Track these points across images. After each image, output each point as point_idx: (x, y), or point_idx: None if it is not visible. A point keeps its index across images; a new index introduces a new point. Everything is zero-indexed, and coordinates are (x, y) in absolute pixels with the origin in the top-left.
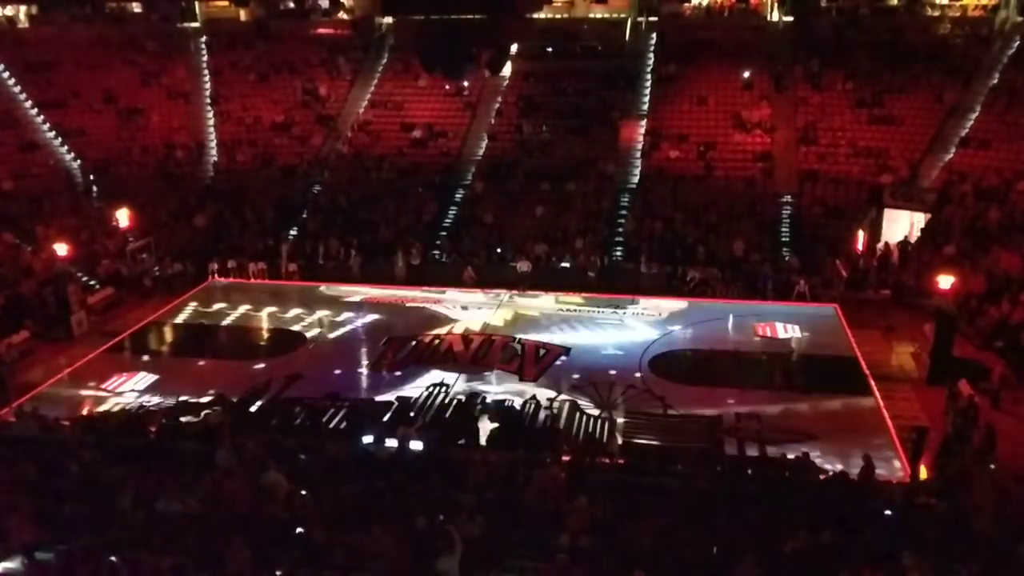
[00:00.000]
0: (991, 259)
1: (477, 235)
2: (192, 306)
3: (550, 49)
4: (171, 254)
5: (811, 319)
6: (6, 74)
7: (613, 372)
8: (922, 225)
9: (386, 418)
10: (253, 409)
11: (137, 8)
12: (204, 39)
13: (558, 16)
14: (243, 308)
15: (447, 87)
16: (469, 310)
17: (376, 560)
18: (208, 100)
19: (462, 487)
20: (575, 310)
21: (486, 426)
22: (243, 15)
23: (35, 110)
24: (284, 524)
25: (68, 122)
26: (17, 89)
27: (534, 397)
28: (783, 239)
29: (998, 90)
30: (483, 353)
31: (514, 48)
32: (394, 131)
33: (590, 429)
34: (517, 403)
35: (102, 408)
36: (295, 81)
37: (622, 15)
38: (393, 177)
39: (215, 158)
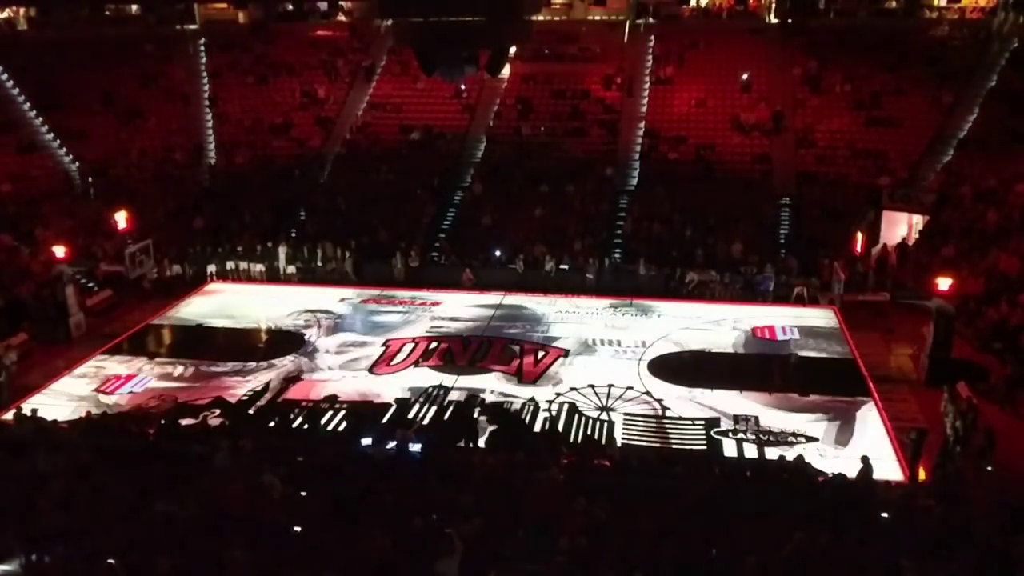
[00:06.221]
0: (990, 261)
1: (476, 237)
2: (191, 308)
3: (548, 51)
4: (169, 256)
5: (810, 321)
6: (4, 76)
7: (612, 374)
8: (920, 227)
9: (384, 420)
10: (252, 411)
11: (136, 10)
12: (203, 41)
13: (557, 18)
14: (242, 309)
15: (445, 89)
16: (468, 312)
17: (375, 561)
18: (207, 102)
19: (461, 489)
20: (574, 311)
21: (485, 428)
22: (242, 17)
23: (33, 112)
24: (282, 526)
25: (66, 124)
26: (16, 91)
27: (533, 399)
28: (781, 241)
29: (996, 92)
30: (481, 355)
31: (512, 50)
32: (393, 133)
33: (589, 431)
34: (516, 405)
35: (100, 410)
36: (294, 83)
37: (620, 17)
38: (392, 179)
39: (213, 160)
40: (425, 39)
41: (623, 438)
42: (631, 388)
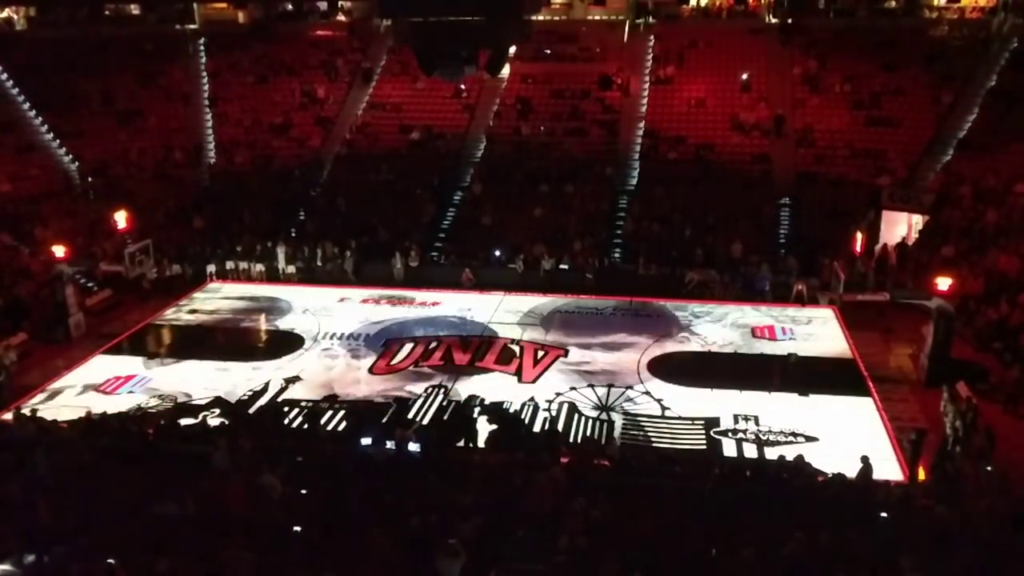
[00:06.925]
0: (989, 261)
1: (476, 237)
2: (190, 308)
3: (548, 51)
4: (169, 256)
5: (809, 321)
6: (4, 76)
7: (611, 373)
8: (920, 227)
9: (384, 420)
10: (252, 411)
11: (136, 10)
12: (203, 41)
13: (557, 18)
14: (241, 310)
15: (445, 89)
16: (468, 312)
17: (375, 561)
18: (206, 102)
19: (461, 489)
20: (573, 311)
21: (484, 428)
22: (241, 17)
23: (33, 112)
24: (282, 526)
25: (66, 124)
26: (15, 91)
27: (532, 399)
28: (781, 241)
29: (996, 92)
30: (481, 355)
31: (512, 50)
32: (392, 133)
33: (588, 431)
34: (515, 405)
35: (100, 410)
36: (293, 83)
37: (620, 17)
38: (392, 179)
39: (213, 160)
40: (425, 39)
41: (623, 438)
42: (631, 388)
